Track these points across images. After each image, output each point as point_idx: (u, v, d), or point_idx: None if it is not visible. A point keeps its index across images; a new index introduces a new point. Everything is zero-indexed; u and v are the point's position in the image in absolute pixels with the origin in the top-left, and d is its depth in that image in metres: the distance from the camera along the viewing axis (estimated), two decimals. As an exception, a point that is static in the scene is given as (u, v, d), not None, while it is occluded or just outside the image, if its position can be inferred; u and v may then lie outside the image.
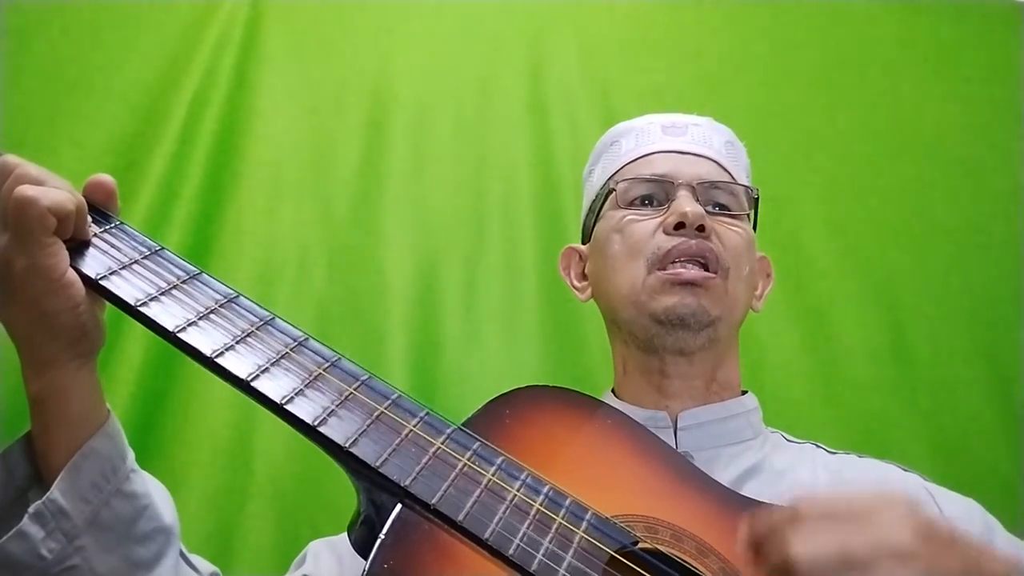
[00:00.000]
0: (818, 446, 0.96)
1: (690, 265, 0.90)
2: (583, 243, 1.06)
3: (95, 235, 0.68)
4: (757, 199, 1.00)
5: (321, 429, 0.62)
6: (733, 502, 0.75)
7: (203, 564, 0.82)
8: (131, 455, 0.72)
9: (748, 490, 0.80)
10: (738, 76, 1.59)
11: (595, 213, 1.02)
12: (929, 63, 1.62)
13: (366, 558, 0.59)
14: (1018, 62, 1.59)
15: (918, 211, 1.54)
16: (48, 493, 0.66)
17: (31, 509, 0.65)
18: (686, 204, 0.91)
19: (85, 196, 0.69)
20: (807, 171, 1.55)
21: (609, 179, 1.01)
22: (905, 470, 0.92)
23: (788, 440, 0.97)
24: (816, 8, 1.65)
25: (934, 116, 1.59)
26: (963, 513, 0.86)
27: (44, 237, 0.63)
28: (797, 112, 1.58)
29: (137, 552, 0.71)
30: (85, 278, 0.65)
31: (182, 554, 0.77)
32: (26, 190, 0.63)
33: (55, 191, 0.64)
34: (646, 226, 0.93)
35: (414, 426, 0.65)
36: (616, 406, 0.87)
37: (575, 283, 1.05)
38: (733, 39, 1.63)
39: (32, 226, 0.62)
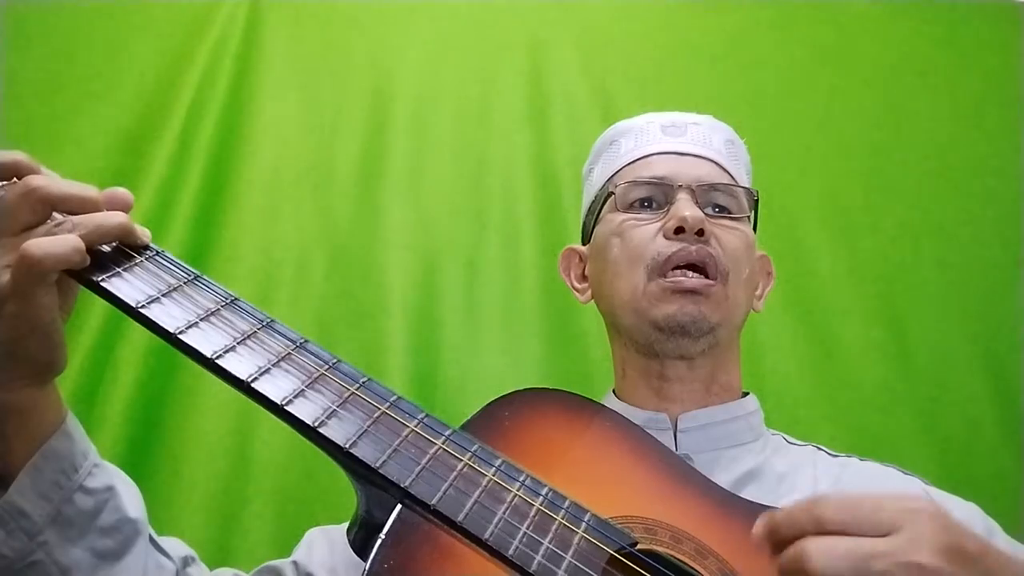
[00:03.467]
0: (819, 448, 0.95)
1: (690, 272, 0.89)
2: (583, 243, 1.05)
3: None
4: (757, 200, 0.99)
5: (321, 430, 0.62)
6: (732, 504, 0.75)
7: (175, 547, 0.81)
8: (93, 451, 0.72)
9: (748, 493, 0.80)
10: (738, 76, 1.59)
11: (595, 214, 1.01)
12: (929, 63, 1.62)
13: (365, 559, 0.59)
14: (1018, 62, 1.59)
15: (918, 211, 1.54)
16: (5, 496, 0.66)
17: None
18: (685, 208, 0.91)
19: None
20: (808, 171, 1.55)
21: (608, 180, 1.00)
22: (906, 473, 0.91)
23: (789, 442, 0.97)
24: (816, 8, 1.65)
25: (934, 116, 1.59)
26: (964, 518, 0.84)
27: (40, 289, 0.61)
28: (797, 112, 1.58)
29: (102, 543, 0.71)
30: (87, 281, 0.65)
31: (152, 540, 0.77)
32: (34, 247, 0.60)
33: (63, 243, 0.61)
34: (646, 230, 0.93)
35: (414, 427, 0.66)
36: (617, 407, 0.87)
37: (575, 284, 1.04)
38: (733, 39, 1.63)
39: (33, 286, 0.61)
